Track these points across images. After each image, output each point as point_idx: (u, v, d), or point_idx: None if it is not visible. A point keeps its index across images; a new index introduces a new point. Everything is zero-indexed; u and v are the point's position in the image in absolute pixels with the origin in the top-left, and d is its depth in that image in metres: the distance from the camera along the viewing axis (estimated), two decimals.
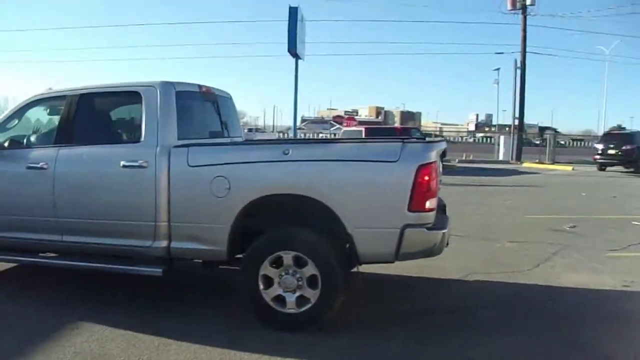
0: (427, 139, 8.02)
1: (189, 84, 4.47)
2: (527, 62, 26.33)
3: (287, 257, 3.68)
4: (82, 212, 4.18)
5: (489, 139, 49.48)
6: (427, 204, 3.57)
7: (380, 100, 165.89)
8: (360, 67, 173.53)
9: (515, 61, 26.85)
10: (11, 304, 4.31)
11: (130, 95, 4.26)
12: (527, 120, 31.40)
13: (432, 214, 3.66)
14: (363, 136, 17.52)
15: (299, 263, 3.68)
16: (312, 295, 3.66)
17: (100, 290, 4.64)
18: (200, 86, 4.63)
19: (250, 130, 32.49)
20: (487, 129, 65.74)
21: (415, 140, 4.20)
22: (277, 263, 3.73)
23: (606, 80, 38.54)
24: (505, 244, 6.76)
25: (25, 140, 4.67)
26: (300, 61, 16.87)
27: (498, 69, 40.47)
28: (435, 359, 3.40)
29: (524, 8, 25.51)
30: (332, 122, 32.76)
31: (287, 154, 3.70)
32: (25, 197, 4.37)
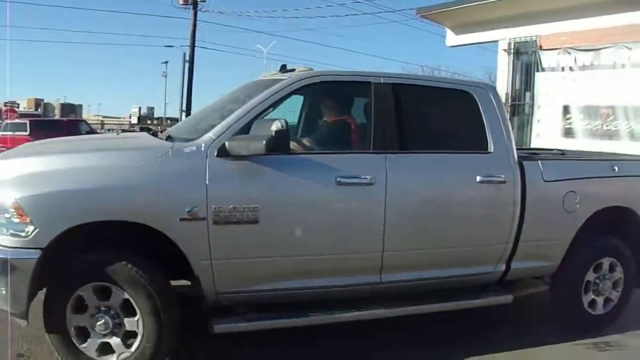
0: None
1: None
2: (196, 56, 26.18)
3: (605, 263, 3.96)
4: (422, 241, 3.32)
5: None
6: None
7: (40, 92, 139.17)
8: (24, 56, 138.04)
9: (184, 54, 26.91)
10: None
11: (459, 95, 3.55)
12: (196, 109, 32.27)
13: None
14: (28, 129, 16.88)
15: (611, 268, 4.00)
16: (615, 297, 4.04)
17: None
18: None
19: None
20: (149, 121, 65.43)
21: None
22: (595, 270, 3.94)
23: None
24: None
25: (305, 141, 3.18)
26: None
27: (166, 62, 41.18)
28: None
29: (195, 3, 25.06)
30: None
31: (614, 169, 3.97)
32: (336, 226, 3.08)
